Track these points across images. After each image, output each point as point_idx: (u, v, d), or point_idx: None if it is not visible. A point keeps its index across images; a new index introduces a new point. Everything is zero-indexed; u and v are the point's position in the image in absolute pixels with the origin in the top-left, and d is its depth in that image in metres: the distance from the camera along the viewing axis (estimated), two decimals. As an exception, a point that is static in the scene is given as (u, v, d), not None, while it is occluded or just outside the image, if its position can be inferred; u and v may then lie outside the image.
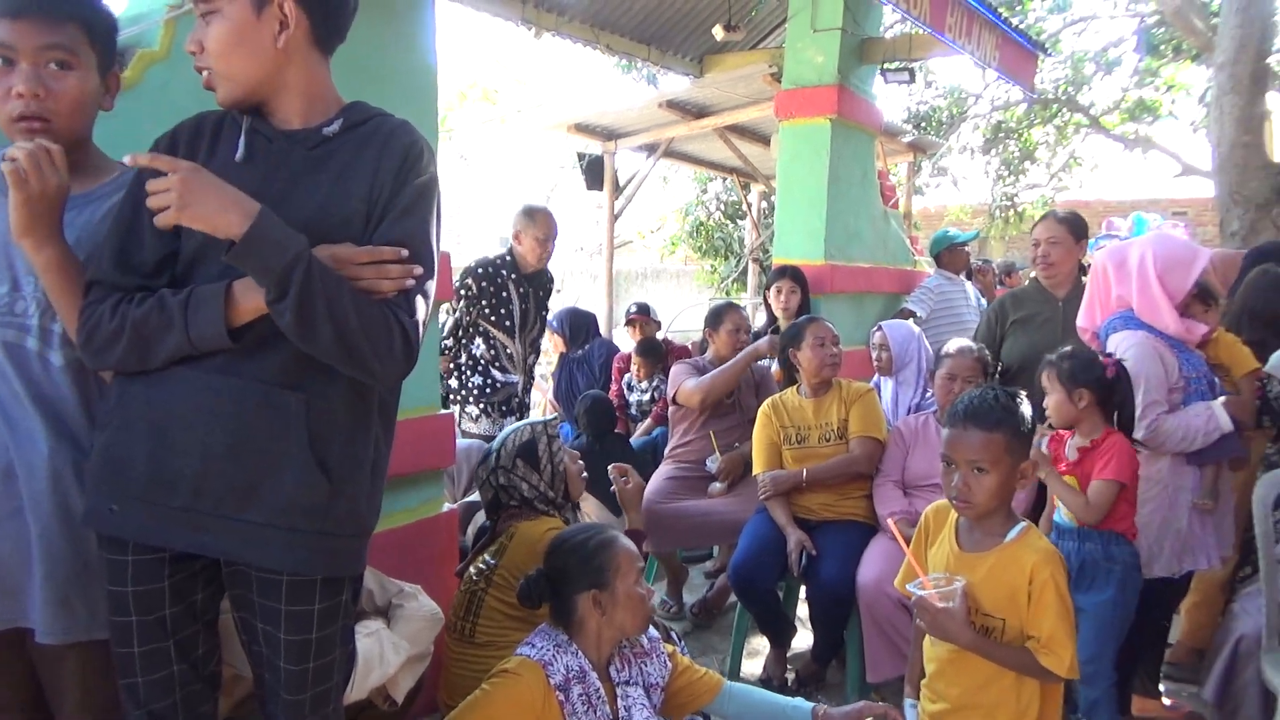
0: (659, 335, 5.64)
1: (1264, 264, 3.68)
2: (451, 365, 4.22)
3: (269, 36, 1.47)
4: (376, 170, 1.50)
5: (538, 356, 4.58)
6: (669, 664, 2.05)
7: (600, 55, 6.49)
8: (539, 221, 4.15)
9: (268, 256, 1.33)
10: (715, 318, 4.08)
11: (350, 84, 1.63)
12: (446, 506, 2.78)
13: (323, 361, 1.42)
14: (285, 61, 1.50)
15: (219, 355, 1.43)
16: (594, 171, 7.26)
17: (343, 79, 1.60)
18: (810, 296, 4.56)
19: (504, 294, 4.17)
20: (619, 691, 1.92)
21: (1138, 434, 2.77)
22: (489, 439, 3.97)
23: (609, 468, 2.82)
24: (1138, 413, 2.76)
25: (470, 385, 4.18)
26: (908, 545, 2.03)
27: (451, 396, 4.24)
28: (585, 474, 2.65)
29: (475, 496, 3.40)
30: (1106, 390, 2.58)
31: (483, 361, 4.17)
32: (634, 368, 5.33)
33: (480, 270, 4.16)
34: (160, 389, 1.46)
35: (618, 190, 7.53)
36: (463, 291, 4.09)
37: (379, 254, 1.43)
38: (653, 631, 2.09)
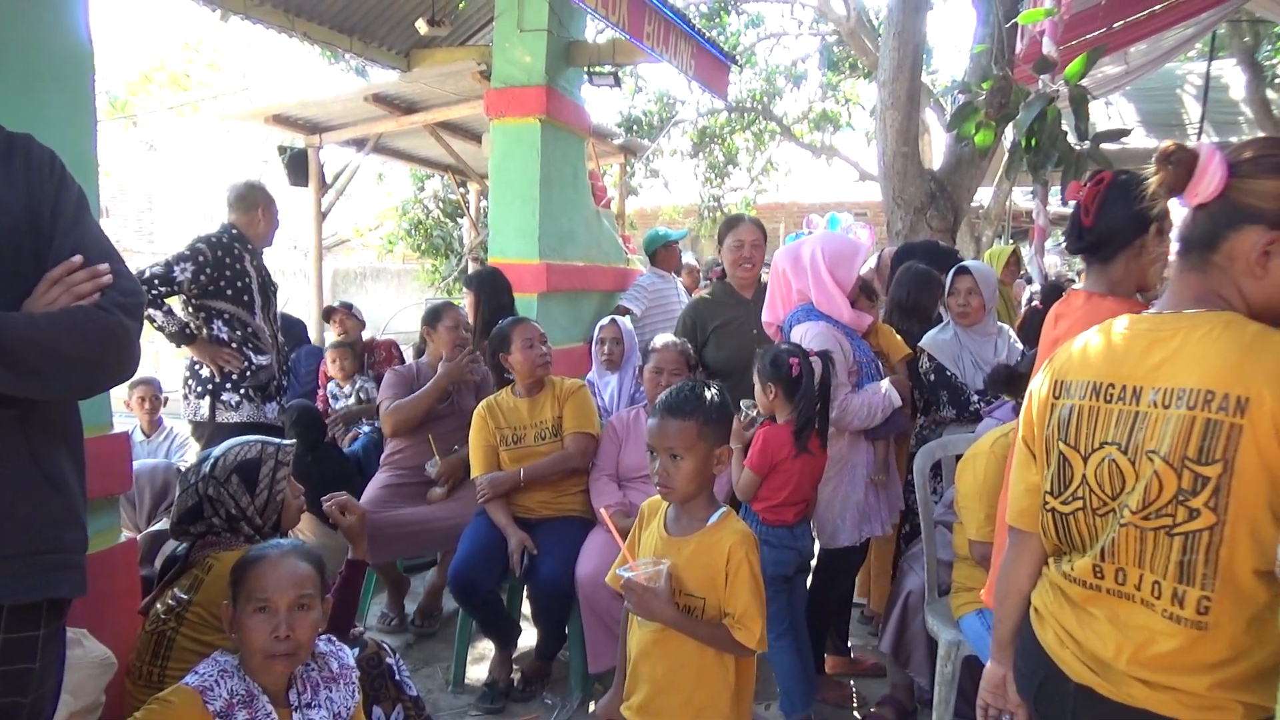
0: (364, 335, 5.43)
1: (907, 261, 4.19)
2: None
3: None
4: (29, 183, 1.44)
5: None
6: (356, 696, 1.96)
7: (301, 44, 6.12)
8: (274, 199, 3.91)
9: None
10: (433, 316, 3.98)
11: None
12: (125, 536, 2.48)
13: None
14: None
15: None
16: (297, 166, 6.83)
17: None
18: (502, 302, 4.47)
19: (239, 266, 3.80)
20: (296, 717, 1.82)
21: (830, 414, 3.05)
22: (253, 427, 3.64)
23: (326, 504, 2.65)
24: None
25: (226, 370, 3.80)
26: (620, 537, 2.10)
27: (200, 386, 3.82)
28: (304, 508, 2.48)
29: (162, 525, 3.08)
30: (792, 384, 2.81)
31: (233, 344, 3.80)
32: (332, 366, 5.07)
33: (215, 239, 3.76)
34: None
35: (325, 186, 7.14)
36: (187, 252, 3.67)
37: (72, 265, 1.40)
38: (347, 659, 2.00)
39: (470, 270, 9.50)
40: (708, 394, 2.02)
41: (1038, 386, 1.55)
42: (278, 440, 2.37)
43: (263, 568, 1.82)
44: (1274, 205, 1.29)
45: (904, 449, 3.59)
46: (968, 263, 3.69)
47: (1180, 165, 1.35)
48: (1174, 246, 1.46)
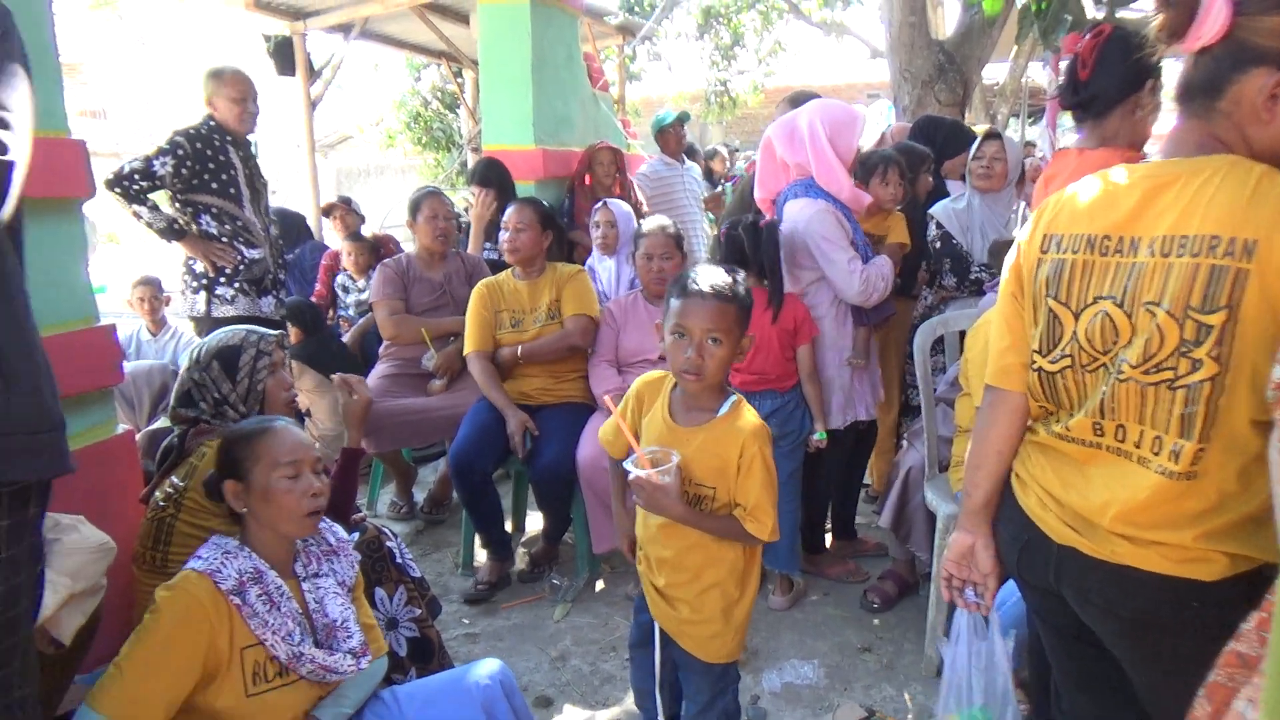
0: (364, 230, 5.38)
1: (927, 136, 4.06)
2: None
3: None
4: None
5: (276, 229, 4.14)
6: (355, 568, 1.99)
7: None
8: (228, 80, 3.73)
9: None
10: (414, 208, 3.92)
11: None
12: (121, 428, 2.50)
13: None
14: None
15: None
16: (283, 55, 6.61)
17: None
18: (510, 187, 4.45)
19: (223, 158, 3.71)
20: (306, 586, 1.85)
21: (855, 288, 3.03)
22: (249, 320, 3.64)
23: (333, 377, 2.64)
24: (848, 269, 3.02)
25: (219, 264, 3.76)
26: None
27: (195, 282, 3.80)
28: (295, 402, 2.47)
29: (161, 423, 3.11)
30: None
31: (223, 239, 3.75)
32: (347, 259, 5.03)
33: (194, 131, 3.67)
34: None
35: (314, 76, 6.93)
36: (166, 146, 3.60)
37: None
38: (340, 532, 2.02)
39: (469, 162, 9.33)
40: (741, 279, 1.95)
41: (1025, 239, 1.49)
42: (263, 329, 2.35)
43: (278, 436, 1.82)
44: None
45: (890, 335, 3.59)
46: (999, 130, 3.62)
47: (1181, 6, 1.26)
48: (1171, 97, 1.39)
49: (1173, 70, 1.42)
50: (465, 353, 3.50)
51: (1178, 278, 1.24)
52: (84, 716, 1.58)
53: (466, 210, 4.98)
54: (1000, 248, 3.11)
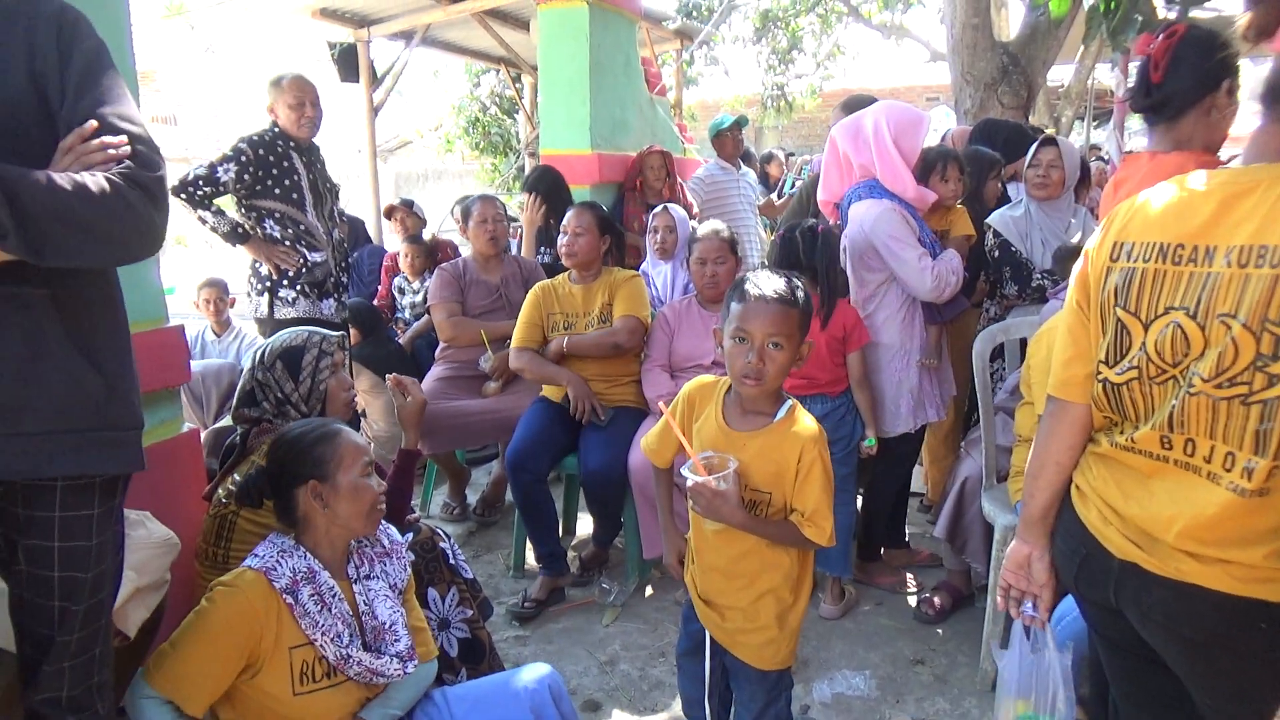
0: (424, 234, 5.46)
1: (987, 139, 3.99)
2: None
3: None
4: (31, 46, 1.34)
5: (342, 233, 4.20)
6: (408, 570, 2.01)
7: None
8: (287, 87, 3.79)
9: None
10: (465, 214, 3.98)
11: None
12: (187, 427, 2.56)
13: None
14: None
15: None
16: (347, 62, 6.75)
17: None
18: (565, 199, 4.46)
19: (286, 164, 3.78)
20: (357, 588, 1.87)
21: (927, 285, 2.99)
22: (310, 323, 3.69)
23: (387, 378, 2.68)
24: (919, 266, 3.00)
25: (282, 267, 3.83)
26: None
27: (260, 284, 3.88)
28: (355, 403, 2.52)
29: (227, 421, 3.18)
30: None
31: (286, 242, 3.83)
32: (404, 261, 5.11)
33: (257, 138, 3.75)
34: None
35: (376, 82, 7.06)
36: (230, 153, 3.67)
37: (84, 132, 1.32)
38: (395, 534, 2.04)
39: (527, 167, 9.42)
40: (800, 284, 1.93)
41: (1094, 247, 1.45)
42: (325, 331, 2.39)
43: (350, 437, 1.88)
44: None
45: (952, 345, 3.52)
46: (1055, 136, 3.53)
47: (1272, 4, 1.22)
48: (1252, 100, 1.33)
49: (1250, 72, 1.37)
50: (511, 347, 3.52)
51: (1255, 289, 1.19)
52: (137, 686, 1.65)
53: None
54: (1066, 254, 3.05)
